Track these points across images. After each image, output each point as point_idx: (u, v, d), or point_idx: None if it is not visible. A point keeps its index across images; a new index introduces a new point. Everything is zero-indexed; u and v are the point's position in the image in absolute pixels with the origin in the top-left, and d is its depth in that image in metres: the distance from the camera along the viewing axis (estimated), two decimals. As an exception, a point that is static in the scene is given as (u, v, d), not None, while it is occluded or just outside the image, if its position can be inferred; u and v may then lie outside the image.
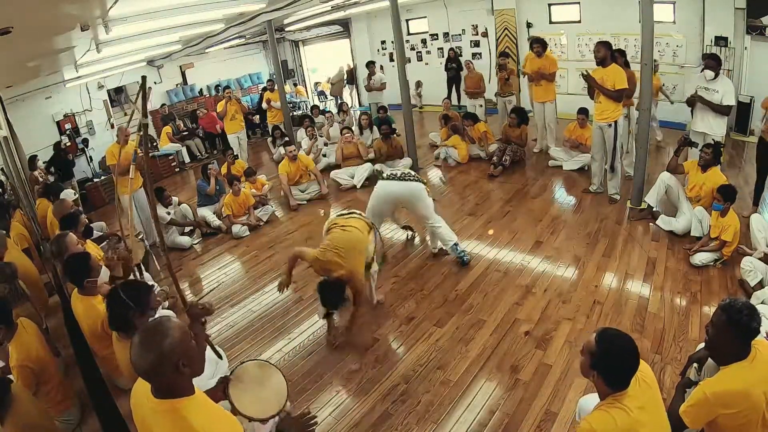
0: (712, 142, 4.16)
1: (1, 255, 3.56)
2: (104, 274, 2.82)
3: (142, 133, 2.27)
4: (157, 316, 3.01)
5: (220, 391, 1.85)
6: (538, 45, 6.15)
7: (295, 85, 12.89)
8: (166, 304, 3.45)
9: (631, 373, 1.60)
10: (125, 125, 4.81)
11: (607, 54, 4.57)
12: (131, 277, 3.30)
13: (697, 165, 4.12)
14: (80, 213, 3.95)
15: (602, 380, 1.63)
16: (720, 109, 4.39)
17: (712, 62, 4.37)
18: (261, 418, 1.81)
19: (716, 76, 4.35)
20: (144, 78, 2.29)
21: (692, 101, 4.58)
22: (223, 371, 2.76)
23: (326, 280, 3.03)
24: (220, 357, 2.52)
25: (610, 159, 4.84)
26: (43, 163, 7.40)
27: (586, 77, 4.74)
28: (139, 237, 5.43)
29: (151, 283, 3.35)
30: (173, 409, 1.36)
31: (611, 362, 1.61)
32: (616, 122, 4.65)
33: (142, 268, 3.56)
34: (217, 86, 11.27)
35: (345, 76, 12.21)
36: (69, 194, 4.47)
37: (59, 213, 3.88)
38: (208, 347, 2.28)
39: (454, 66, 9.75)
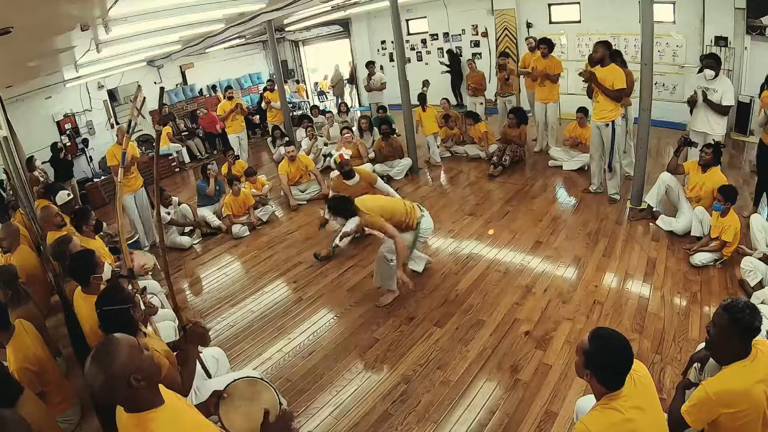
0: (713, 142, 4.16)
1: (12, 247, 3.56)
2: (107, 270, 2.82)
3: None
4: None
5: (211, 406, 1.85)
6: (545, 45, 6.12)
7: (297, 82, 12.89)
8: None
9: (623, 372, 1.61)
10: (125, 126, 4.81)
11: (606, 54, 4.56)
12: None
13: (698, 165, 4.12)
14: (89, 209, 3.97)
15: (596, 379, 1.63)
16: (719, 109, 4.39)
17: (712, 62, 4.37)
18: None
19: (716, 75, 4.36)
20: (162, 89, 2.30)
21: (692, 101, 4.58)
22: (225, 369, 2.77)
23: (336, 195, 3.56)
24: (208, 375, 2.50)
25: (608, 159, 4.84)
26: (43, 163, 7.40)
27: (589, 75, 4.67)
28: (134, 239, 5.45)
29: (143, 284, 3.35)
30: (139, 423, 1.37)
31: (604, 361, 1.61)
32: (613, 122, 4.64)
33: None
34: (213, 86, 11.26)
35: (343, 76, 12.22)
36: (63, 196, 4.47)
37: (44, 219, 3.86)
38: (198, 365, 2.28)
39: (450, 66, 9.80)
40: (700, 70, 4.53)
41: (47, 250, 3.75)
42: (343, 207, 3.42)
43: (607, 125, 4.68)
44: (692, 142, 4.43)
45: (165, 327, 3.10)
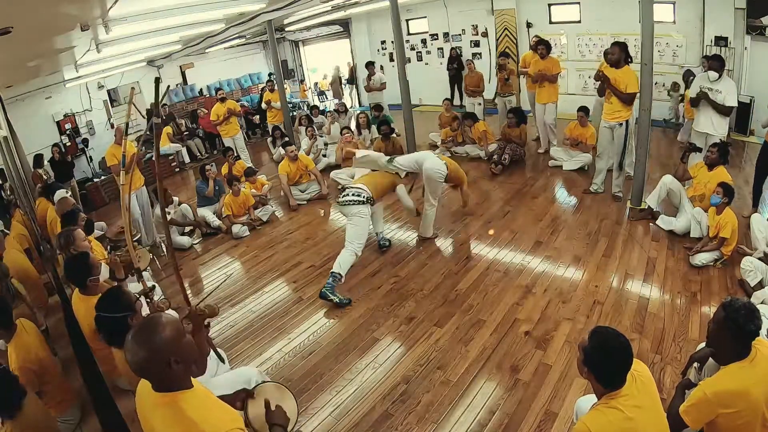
0: (720, 142, 4.16)
1: None
2: (104, 271, 2.82)
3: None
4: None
5: (238, 401, 1.88)
6: (543, 47, 6.13)
7: (301, 82, 12.91)
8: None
9: (621, 371, 1.61)
10: (123, 125, 4.80)
11: (622, 56, 4.54)
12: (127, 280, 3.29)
13: (704, 164, 4.11)
14: (79, 210, 3.99)
15: (594, 377, 1.64)
16: (722, 110, 4.39)
17: (715, 63, 4.37)
18: None
19: (720, 76, 4.36)
20: (157, 79, 2.30)
21: (696, 101, 4.58)
22: (225, 370, 2.78)
23: None
24: (222, 360, 2.57)
25: (619, 157, 4.83)
26: (47, 162, 7.42)
27: (602, 77, 4.68)
28: (137, 238, 5.44)
29: (151, 283, 3.35)
30: (172, 402, 1.40)
31: (602, 359, 1.62)
32: (627, 121, 4.63)
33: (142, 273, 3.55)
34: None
35: (340, 77, 12.24)
36: (62, 194, 4.49)
37: (61, 210, 3.91)
38: (211, 350, 2.30)
39: (455, 66, 9.77)
40: (706, 71, 4.53)
41: (47, 249, 3.76)
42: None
43: (621, 125, 4.66)
44: (697, 147, 4.41)
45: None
